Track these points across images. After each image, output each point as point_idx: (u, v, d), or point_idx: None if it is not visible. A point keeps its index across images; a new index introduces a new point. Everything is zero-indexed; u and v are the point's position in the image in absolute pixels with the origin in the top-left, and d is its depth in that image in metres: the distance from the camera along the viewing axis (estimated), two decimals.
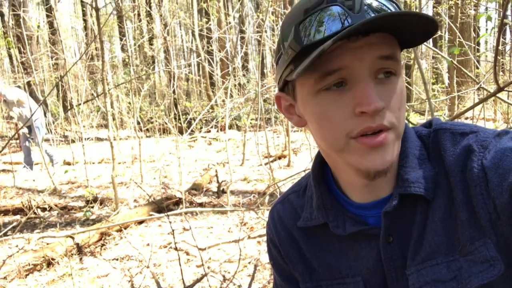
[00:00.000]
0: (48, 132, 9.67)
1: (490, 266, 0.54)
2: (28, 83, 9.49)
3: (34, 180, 6.07)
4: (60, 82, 9.59)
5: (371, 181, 0.61)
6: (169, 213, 3.28)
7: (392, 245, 0.62)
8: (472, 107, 1.71)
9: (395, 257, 0.62)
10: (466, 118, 6.49)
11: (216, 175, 5.29)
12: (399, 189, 0.61)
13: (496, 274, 0.54)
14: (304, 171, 3.70)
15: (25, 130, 6.31)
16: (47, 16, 12.49)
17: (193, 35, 13.11)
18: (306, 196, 0.75)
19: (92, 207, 4.61)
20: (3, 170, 6.73)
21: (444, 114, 5.92)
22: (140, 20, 11.67)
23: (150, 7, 12.93)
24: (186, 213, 3.93)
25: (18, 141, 7.98)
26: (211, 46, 11.21)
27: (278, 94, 0.67)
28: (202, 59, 10.79)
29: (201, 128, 9.75)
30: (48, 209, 4.48)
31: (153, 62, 13.00)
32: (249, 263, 3.03)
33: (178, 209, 4.20)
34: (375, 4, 0.54)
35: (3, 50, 14.36)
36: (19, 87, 9.67)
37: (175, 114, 8.62)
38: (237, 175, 5.85)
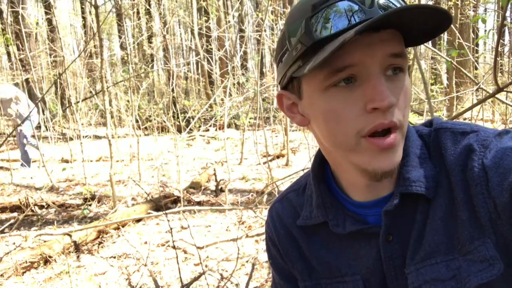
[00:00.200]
0: (46, 129, 9.66)
1: (489, 266, 0.54)
2: (27, 81, 9.46)
3: (31, 178, 6.06)
4: (58, 80, 9.56)
5: (376, 182, 0.61)
6: (167, 211, 3.28)
7: (392, 244, 0.62)
8: (471, 108, 1.71)
9: (395, 256, 0.62)
10: (465, 119, 6.50)
11: (215, 174, 5.29)
12: (400, 188, 0.61)
13: (496, 273, 0.54)
14: (303, 170, 3.70)
15: (30, 129, 6.31)
16: (46, 13, 12.47)
17: (192, 33, 13.10)
18: (305, 195, 0.75)
19: (90, 205, 4.60)
20: (1, 168, 6.71)
21: (443, 115, 5.93)
22: (139, 18, 11.65)
23: (149, 5, 12.91)
24: (184, 211, 3.93)
25: (15, 138, 7.96)
26: (210, 44, 11.20)
27: (280, 92, 0.66)
28: (201, 57, 10.77)
29: (199, 126, 9.74)
30: (45, 206, 4.47)
31: (152, 60, 12.99)
32: (247, 261, 3.03)
33: (176, 207, 4.20)
34: (381, 1, 0.53)
35: (1, 47, 14.32)
36: (16, 84, 9.66)
37: (173, 112, 8.60)
38: (236, 174, 5.85)
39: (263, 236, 3.20)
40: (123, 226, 3.81)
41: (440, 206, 0.59)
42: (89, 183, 5.33)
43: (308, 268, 0.72)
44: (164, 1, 12.06)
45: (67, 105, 9.00)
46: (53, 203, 4.56)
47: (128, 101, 9.33)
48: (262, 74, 12.92)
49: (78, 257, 3.27)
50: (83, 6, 15.17)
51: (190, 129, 8.36)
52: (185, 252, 3.28)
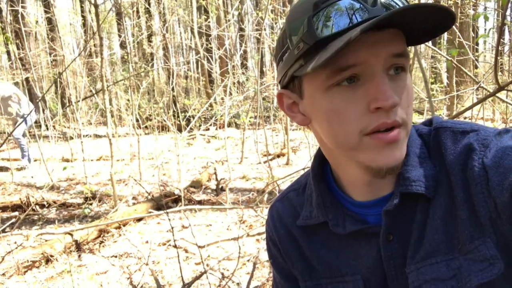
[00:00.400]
0: (47, 129, 9.66)
1: (489, 265, 0.54)
2: (27, 80, 9.47)
3: (32, 177, 6.07)
4: (58, 79, 9.56)
5: (380, 179, 0.61)
6: (168, 210, 3.29)
7: (392, 243, 0.63)
8: (471, 107, 1.71)
9: (395, 255, 0.63)
10: (465, 118, 6.49)
11: (215, 173, 5.30)
12: (400, 188, 0.61)
13: (496, 273, 0.54)
14: (303, 169, 3.70)
15: (24, 126, 6.29)
16: (46, 12, 12.45)
17: (192, 32, 13.09)
18: (305, 195, 0.75)
19: (91, 204, 4.61)
20: (1, 168, 6.71)
21: (443, 114, 5.93)
22: (139, 17, 11.65)
23: (149, 4, 12.90)
24: (185, 210, 3.93)
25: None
26: (210, 43, 11.19)
27: (280, 91, 0.66)
28: (201, 56, 10.76)
29: (200, 126, 9.74)
30: (46, 205, 4.48)
31: (152, 59, 12.98)
32: (248, 261, 3.03)
33: (177, 206, 4.20)
34: None
35: (1, 46, 14.31)
36: (16, 83, 9.65)
37: (174, 111, 8.61)
38: (236, 173, 5.85)
39: (264, 235, 3.20)
40: (124, 225, 3.82)
41: (440, 206, 0.59)
42: (90, 182, 5.33)
43: (309, 268, 0.73)
44: (163, 0, 12.04)
45: (67, 104, 8.99)
46: (54, 202, 4.56)
47: (128, 100, 9.33)
48: (262, 73, 12.91)
49: (79, 256, 3.28)
50: (82, 5, 15.14)
51: (191, 128, 8.37)
52: (186, 251, 3.29)
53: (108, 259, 3.21)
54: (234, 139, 8.74)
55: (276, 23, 6.99)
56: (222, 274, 2.84)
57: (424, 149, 0.64)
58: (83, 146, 5.14)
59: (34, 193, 5.03)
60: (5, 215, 4.29)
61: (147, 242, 3.49)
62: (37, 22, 12.54)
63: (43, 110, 9.33)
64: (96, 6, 4.01)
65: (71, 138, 8.13)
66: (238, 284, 2.68)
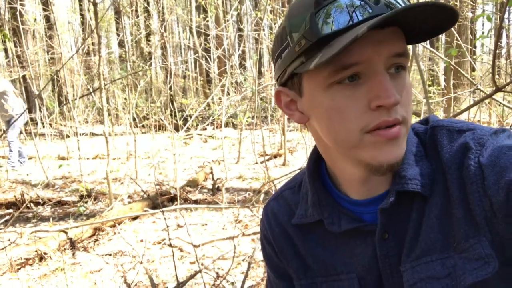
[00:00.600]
0: (43, 126, 9.63)
1: (484, 264, 0.54)
2: (24, 77, 9.43)
3: (28, 174, 6.04)
4: (56, 77, 9.53)
5: (377, 177, 0.61)
6: (163, 209, 3.28)
7: (388, 242, 0.62)
8: (468, 108, 1.71)
9: (390, 254, 0.62)
10: None
11: (212, 173, 5.29)
12: (396, 186, 0.61)
13: (491, 271, 0.53)
14: (300, 169, 3.70)
15: (18, 129, 6.25)
16: (44, 10, 12.42)
17: (191, 32, 13.08)
18: (301, 193, 0.74)
19: (86, 202, 4.59)
20: None
21: (440, 116, 5.94)
22: (137, 16, 11.63)
23: (147, 3, 12.88)
24: (180, 209, 3.92)
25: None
26: (208, 43, 11.19)
27: (279, 89, 0.65)
28: (199, 56, 10.76)
29: (197, 125, 9.74)
30: (41, 203, 4.46)
31: (150, 58, 12.96)
32: (243, 260, 3.03)
33: (172, 205, 4.19)
34: None
35: None
36: (13, 81, 9.62)
37: (171, 111, 8.60)
38: (233, 173, 5.85)
39: (259, 235, 3.20)
40: (119, 224, 3.81)
41: (436, 204, 0.59)
42: (86, 180, 5.32)
43: (304, 267, 0.72)
44: None
45: (64, 102, 8.97)
46: (49, 200, 4.54)
47: (125, 99, 9.32)
48: (260, 73, 12.91)
49: (73, 254, 3.26)
50: (81, 3, 15.12)
51: (188, 128, 8.35)
52: (181, 250, 3.28)
53: (102, 257, 3.20)
54: (231, 139, 8.75)
55: (275, 24, 6.99)
56: (217, 273, 2.83)
57: (420, 148, 0.64)
58: (79, 144, 5.12)
59: (29, 190, 5.01)
60: None
61: (142, 240, 3.48)
62: (35, 20, 12.49)
63: (40, 108, 9.30)
64: (94, 4, 4.00)
65: (68, 136, 8.11)
66: (232, 283, 2.68)
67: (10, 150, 6.26)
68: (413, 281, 0.59)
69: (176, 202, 4.24)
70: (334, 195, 0.68)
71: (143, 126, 9.42)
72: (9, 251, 2.98)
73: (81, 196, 4.68)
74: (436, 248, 0.58)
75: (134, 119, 7.37)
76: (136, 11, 12.18)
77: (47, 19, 12.17)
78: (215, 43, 11.32)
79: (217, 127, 9.77)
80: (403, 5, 0.54)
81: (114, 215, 3.79)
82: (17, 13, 7.45)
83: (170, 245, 2.89)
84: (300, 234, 0.73)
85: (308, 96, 0.60)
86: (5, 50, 13.34)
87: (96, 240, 3.55)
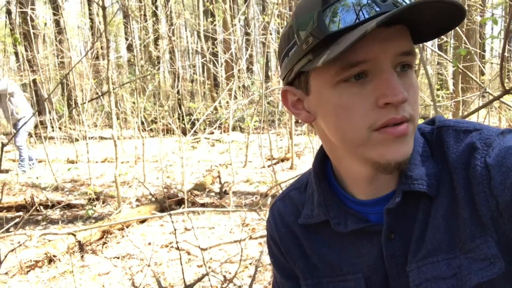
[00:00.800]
0: (52, 130, 9.72)
1: (490, 264, 0.54)
2: (34, 81, 9.54)
3: (37, 178, 6.10)
4: (65, 80, 9.63)
5: (384, 176, 0.61)
6: (171, 212, 3.29)
7: (394, 242, 0.62)
8: (477, 110, 1.70)
9: (397, 254, 0.62)
10: None
11: (219, 176, 5.30)
12: (402, 186, 0.61)
13: (496, 272, 0.53)
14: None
15: (25, 134, 6.30)
16: (54, 14, 12.56)
17: (199, 36, 13.15)
18: (307, 193, 0.74)
19: (95, 205, 4.62)
20: (7, 171, 6.74)
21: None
22: (146, 20, 11.72)
23: (156, 8, 12.98)
24: (188, 212, 3.93)
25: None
26: (216, 47, 11.24)
27: (285, 88, 0.65)
28: (207, 60, 10.81)
29: (204, 129, 9.76)
30: (50, 206, 4.49)
31: (158, 63, 13.05)
32: (250, 264, 3.02)
33: (180, 209, 4.20)
34: None
35: (9, 47, 14.45)
36: (24, 84, 9.72)
37: (179, 114, 8.64)
38: (240, 176, 5.85)
39: (266, 236, 3.20)
40: (127, 227, 3.83)
41: (442, 204, 0.59)
42: (94, 183, 5.36)
43: (310, 267, 0.72)
44: (170, 3, 12.12)
45: (74, 106, 9.05)
46: (58, 203, 4.58)
47: (134, 102, 9.38)
48: (267, 77, 12.93)
49: (82, 256, 3.28)
50: (90, 8, 15.28)
51: (195, 132, 8.38)
52: (188, 253, 3.28)
53: (110, 260, 3.22)
54: (239, 143, 8.75)
55: (282, 28, 7.01)
56: (224, 276, 2.84)
57: (426, 148, 0.64)
58: (88, 148, 5.16)
59: (39, 193, 5.06)
60: (9, 215, 4.31)
61: (149, 243, 3.49)
62: (45, 24, 12.64)
63: (49, 112, 9.39)
64: (103, 8, 4.04)
65: (77, 140, 8.17)
66: (239, 287, 2.68)
67: (21, 155, 6.32)
68: (419, 281, 0.59)
69: (183, 206, 4.25)
70: (340, 195, 0.68)
71: (151, 130, 9.47)
72: (19, 253, 3.01)
73: (90, 199, 4.71)
74: (442, 249, 0.58)
75: (142, 123, 7.41)
76: (145, 15, 12.28)
77: (57, 23, 12.30)
78: (223, 47, 11.36)
79: (224, 131, 9.78)
80: (413, 1, 0.54)
81: (122, 218, 3.81)
82: (28, 17, 7.54)
83: (177, 248, 2.90)
84: (306, 234, 0.73)
85: (315, 94, 0.60)
86: (16, 54, 13.52)
87: (105, 243, 3.57)
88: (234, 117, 8.23)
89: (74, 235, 3.37)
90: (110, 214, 4.14)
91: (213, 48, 11.27)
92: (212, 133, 10.00)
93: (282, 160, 6.74)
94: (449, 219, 0.58)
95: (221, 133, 10.04)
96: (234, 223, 3.95)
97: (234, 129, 9.44)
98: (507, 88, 1.50)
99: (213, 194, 5.06)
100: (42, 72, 8.50)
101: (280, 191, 3.99)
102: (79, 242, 3.37)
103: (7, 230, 3.53)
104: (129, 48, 13.12)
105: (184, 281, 2.52)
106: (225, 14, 9.71)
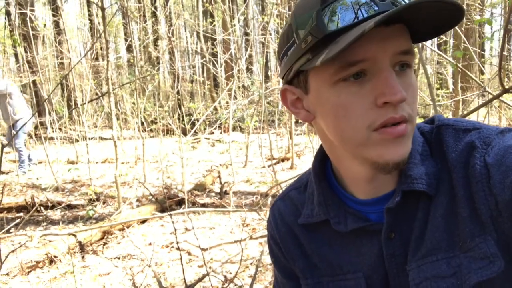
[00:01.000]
0: (52, 131, 9.71)
1: (489, 263, 0.54)
2: (34, 82, 9.54)
3: (38, 178, 6.10)
4: (65, 81, 9.63)
5: (383, 176, 0.61)
6: (171, 212, 3.29)
7: (394, 241, 0.62)
8: (476, 109, 1.70)
9: (396, 253, 0.62)
10: None
11: (219, 176, 5.30)
12: (402, 186, 0.61)
13: (496, 271, 0.53)
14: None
15: (24, 135, 6.28)
16: (53, 15, 12.56)
17: (198, 36, 13.15)
18: (307, 193, 0.75)
19: (95, 205, 4.62)
20: (8, 172, 6.74)
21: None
22: (145, 21, 11.72)
23: (155, 8, 12.98)
24: (188, 213, 3.94)
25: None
26: (215, 48, 11.24)
27: (284, 87, 0.65)
28: (206, 60, 10.81)
29: (204, 129, 9.77)
30: (51, 207, 4.50)
31: (158, 63, 13.05)
32: (251, 264, 3.03)
33: (180, 209, 4.21)
34: None
35: (8, 48, 14.44)
36: (23, 86, 9.72)
37: (179, 115, 8.63)
38: (240, 176, 5.85)
39: (267, 236, 3.20)
40: (127, 227, 3.83)
41: (441, 203, 0.59)
42: (95, 184, 5.36)
43: (310, 266, 0.72)
44: (170, 4, 12.12)
45: (73, 106, 9.05)
46: (59, 203, 4.58)
47: (133, 103, 9.38)
48: (267, 77, 12.93)
49: (83, 257, 3.29)
50: (90, 9, 15.28)
51: (195, 132, 8.38)
52: (189, 253, 3.29)
53: (111, 260, 3.22)
54: (239, 143, 8.75)
55: (281, 27, 7.01)
56: (225, 276, 2.84)
57: (426, 147, 0.64)
58: (88, 149, 5.16)
59: (39, 194, 5.06)
60: (10, 215, 4.32)
61: (150, 244, 3.50)
62: (45, 25, 12.64)
63: (49, 112, 9.39)
64: (102, 9, 4.04)
65: (77, 140, 8.17)
66: (240, 287, 2.68)
67: (20, 156, 6.31)
68: (419, 280, 0.59)
69: (184, 206, 4.25)
70: (340, 194, 0.69)
71: (151, 130, 9.47)
72: (19, 254, 3.01)
73: (90, 200, 4.71)
74: (441, 247, 0.58)
75: (142, 123, 7.41)
76: (144, 16, 12.27)
77: (57, 24, 12.30)
78: (222, 47, 11.37)
79: (224, 131, 9.79)
80: (412, 0, 0.54)
81: (123, 219, 3.81)
82: (27, 19, 7.54)
83: (178, 249, 2.90)
84: (306, 233, 0.73)
85: (314, 93, 0.60)
86: (16, 55, 13.51)
87: (105, 243, 3.57)
88: (234, 117, 8.24)
89: (75, 236, 3.38)
90: (111, 215, 4.14)
91: (212, 49, 11.28)
92: (212, 133, 10.00)
93: (282, 160, 6.75)
94: (448, 218, 0.58)
95: (221, 133, 10.05)
96: (235, 223, 3.96)
97: (234, 129, 9.44)
98: (506, 87, 1.51)
99: (213, 194, 5.06)
100: (42, 73, 8.50)
101: (280, 191, 3.99)
102: (79, 242, 3.37)
103: (8, 231, 3.54)
104: (129, 48, 13.12)
105: (185, 281, 2.52)
106: (224, 15, 9.72)
